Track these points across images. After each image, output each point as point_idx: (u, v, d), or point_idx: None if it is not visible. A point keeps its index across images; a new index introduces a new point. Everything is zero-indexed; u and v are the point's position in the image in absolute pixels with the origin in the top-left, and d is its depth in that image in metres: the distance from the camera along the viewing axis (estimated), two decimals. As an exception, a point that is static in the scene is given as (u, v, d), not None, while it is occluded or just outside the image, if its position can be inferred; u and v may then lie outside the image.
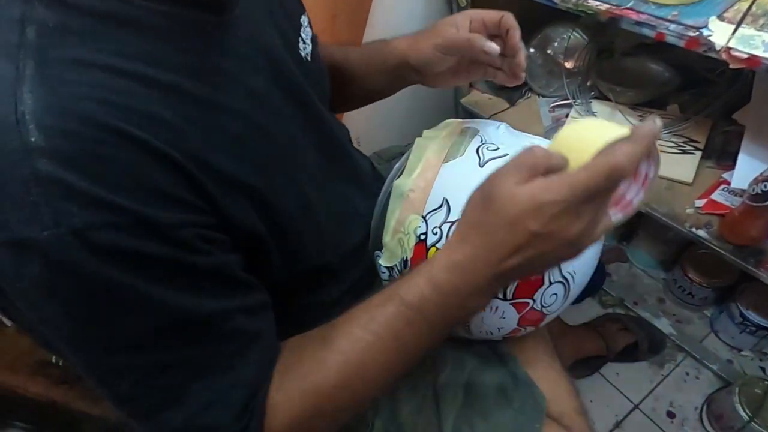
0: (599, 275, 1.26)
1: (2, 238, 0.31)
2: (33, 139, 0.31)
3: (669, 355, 1.22)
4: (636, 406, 1.15)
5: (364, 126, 1.17)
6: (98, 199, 0.32)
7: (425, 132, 0.64)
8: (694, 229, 0.85)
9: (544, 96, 1.16)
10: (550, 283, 0.53)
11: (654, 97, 1.04)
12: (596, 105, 1.04)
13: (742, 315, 1.11)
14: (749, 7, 0.66)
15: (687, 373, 1.18)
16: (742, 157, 0.85)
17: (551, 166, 0.36)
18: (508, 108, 1.19)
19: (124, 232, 0.33)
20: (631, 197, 0.40)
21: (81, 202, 0.31)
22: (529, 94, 1.20)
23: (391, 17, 1.13)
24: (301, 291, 0.55)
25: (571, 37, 1.09)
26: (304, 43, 0.56)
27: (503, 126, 0.61)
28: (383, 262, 0.58)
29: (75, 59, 0.33)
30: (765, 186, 0.71)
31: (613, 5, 0.75)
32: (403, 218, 0.55)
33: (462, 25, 0.59)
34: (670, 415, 1.13)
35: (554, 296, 0.54)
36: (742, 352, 1.17)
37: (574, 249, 0.38)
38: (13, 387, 0.78)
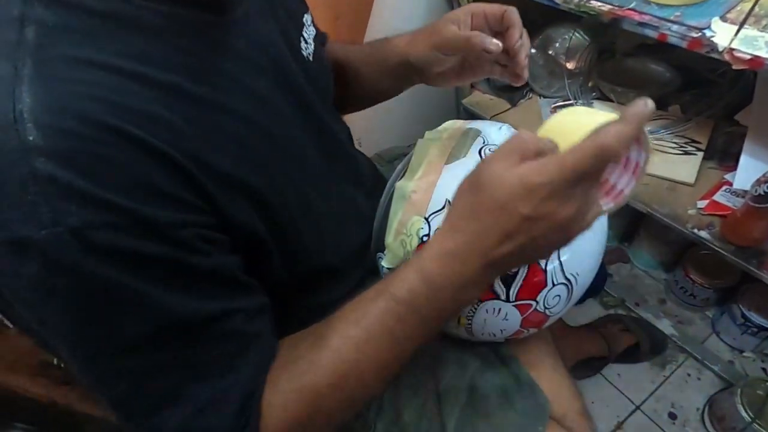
0: (601, 276, 1.25)
1: (0, 238, 0.31)
2: (31, 138, 0.30)
3: (670, 356, 1.21)
4: (637, 407, 1.15)
5: (366, 127, 1.17)
6: (97, 199, 0.32)
7: (427, 133, 0.64)
8: (696, 230, 0.85)
9: (545, 97, 1.16)
10: (553, 285, 0.53)
11: (655, 98, 1.03)
12: (597, 106, 1.04)
13: (743, 316, 1.11)
14: (752, 8, 0.66)
15: (689, 374, 1.18)
16: (744, 158, 0.85)
17: (540, 150, 0.36)
18: (509, 109, 1.19)
19: (122, 231, 0.33)
20: (623, 186, 0.40)
21: (79, 202, 0.31)
22: (531, 95, 1.20)
23: (392, 18, 1.13)
24: (302, 292, 0.55)
25: (573, 37, 1.09)
26: (306, 42, 0.56)
27: (505, 127, 0.61)
28: (386, 263, 0.57)
29: (74, 58, 0.33)
30: (767, 187, 0.71)
31: (615, 6, 0.75)
32: (406, 220, 0.54)
33: (463, 21, 0.57)
34: (672, 416, 1.12)
35: (557, 298, 0.54)
36: (744, 353, 1.17)
37: (565, 234, 0.37)
38: (15, 388, 0.78)
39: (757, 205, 0.74)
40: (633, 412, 1.14)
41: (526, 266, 0.52)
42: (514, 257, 0.38)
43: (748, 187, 0.77)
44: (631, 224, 1.35)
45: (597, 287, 1.27)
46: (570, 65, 1.10)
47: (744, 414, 0.97)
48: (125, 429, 0.39)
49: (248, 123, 0.43)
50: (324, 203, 0.53)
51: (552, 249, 0.40)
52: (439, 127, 0.64)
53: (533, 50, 1.13)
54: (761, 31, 0.64)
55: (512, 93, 1.20)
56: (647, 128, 0.99)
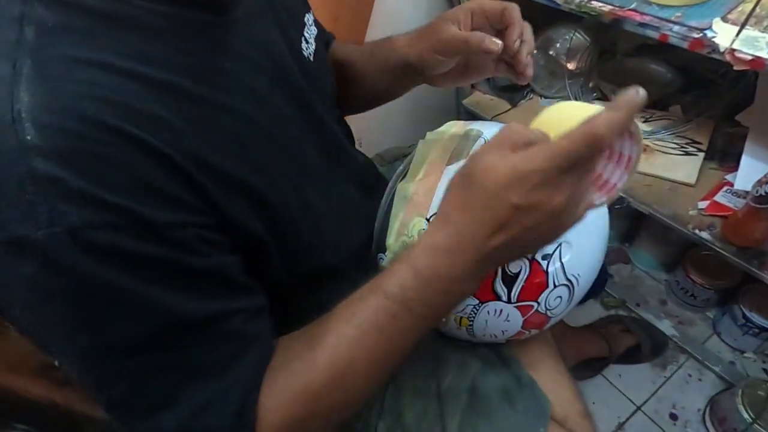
0: (601, 277, 1.26)
1: None
2: (29, 138, 0.30)
3: (671, 356, 1.21)
4: (638, 408, 1.15)
5: (366, 127, 1.17)
6: (95, 199, 0.31)
7: (428, 134, 0.63)
8: (697, 231, 0.85)
9: (546, 97, 1.16)
10: (555, 286, 0.53)
11: (656, 99, 1.04)
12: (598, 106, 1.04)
13: (744, 317, 1.11)
14: (753, 9, 0.66)
15: (689, 375, 1.18)
16: (745, 159, 0.85)
17: (531, 141, 0.36)
18: (510, 109, 1.19)
19: (121, 232, 0.32)
20: (615, 180, 0.40)
21: (77, 202, 0.31)
22: (531, 95, 1.20)
23: (393, 18, 1.13)
24: (302, 292, 0.55)
25: (573, 38, 1.09)
26: (307, 42, 0.56)
27: (506, 128, 0.61)
28: (387, 264, 0.57)
29: (74, 58, 0.33)
30: (769, 188, 0.71)
31: (616, 6, 0.75)
32: (407, 221, 0.54)
33: (463, 20, 0.56)
34: (673, 417, 1.12)
35: (559, 299, 0.54)
36: (745, 354, 1.17)
37: (557, 225, 0.37)
38: (15, 389, 0.78)
39: (758, 206, 0.74)
40: (634, 412, 1.14)
41: (528, 267, 0.52)
42: (507, 249, 0.37)
43: (749, 188, 0.77)
44: (631, 225, 1.35)
45: (598, 288, 1.28)
46: (571, 66, 1.10)
47: (745, 415, 0.97)
48: (123, 430, 0.39)
49: (248, 123, 0.42)
50: (324, 203, 0.53)
51: (545, 241, 0.39)
52: (440, 128, 0.64)
53: (534, 51, 1.13)
54: (762, 32, 0.64)
55: (513, 93, 1.20)
56: (649, 129, 0.99)
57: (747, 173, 0.85)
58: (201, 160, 0.37)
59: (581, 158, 0.33)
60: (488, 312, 0.54)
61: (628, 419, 1.13)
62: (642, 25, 0.72)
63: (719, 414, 1.07)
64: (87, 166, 0.32)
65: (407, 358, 0.64)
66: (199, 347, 0.38)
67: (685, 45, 0.68)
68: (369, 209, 0.62)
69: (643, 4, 0.74)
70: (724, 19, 0.67)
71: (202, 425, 0.38)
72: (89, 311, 0.34)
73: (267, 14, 0.50)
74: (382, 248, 0.58)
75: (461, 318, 0.56)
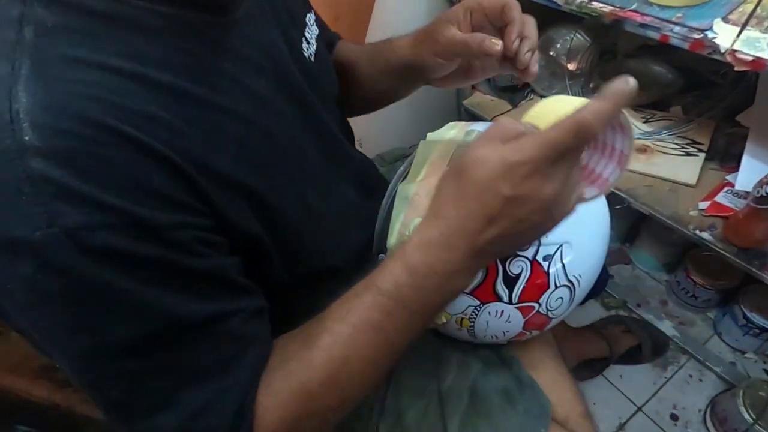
0: (602, 277, 1.25)
1: None
2: (27, 138, 0.30)
3: (672, 357, 1.21)
4: (639, 409, 1.15)
5: (367, 128, 1.17)
6: (92, 200, 0.31)
7: (429, 135, 0.63)
8: (697, 232, 0.85)
9: (546, 97, 1.16)
10: (556, 287, 0.53)
11: (657, 99, 1.04)
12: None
13: (745, 317, 1.10)
14: (754, 9, 0.66)
15: (690, 376, 1.18)
16: (746, 159, 0.85)
17: (521, 134, 0.36)
18: (510, 110, 1.19)
19: (118, 233, 0.32)
20: (607, 175, 0.40)
21: (75, 202, 0.31)
22: (532, 96, 1.20)
23: (393, 19, 1.13)
24: (302, 293, 0.55)
25: (574, 38, 1.09)
26: (308, 43, 0.56)
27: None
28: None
29: (73, 58, 0.33)
30: (770, 188, 0.71)
31: (617, 7, 0.75)
32: (408, 222, 0.54)
33: (462, 19, 0.55)
34: (674, 417, 1.12)
35: (560, 300, 0.54)
36: (746, 355, 1.17)
37: (548, 217, 0.37)
38: (17, 390, 0.78)
39: (759, 207, 0.74)
40: (635, 413, 1.14)
41: (529, 268, 0.52)
42: (500, 243, 0.37)
43: (750, 189, 0.77)
44: (632, 225, 1.35)
45: (598, 288, 1.28)
46: (571, 66, 1.10)
47: (746, 415, 0.97)
48: (122, 431, 0.39)
49: (248, 124, 0.42)
50: (324, 204, 0.53)
51: (536, 234, 0.39)
52: (441, 129, 0.64)
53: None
54: (763, 33, 0.64)
55: (513, 94, 1.20)
56: (649, 129, 0.99)
57: (748, 174, 0.85)
58: (200, 161, 0.37)
59: (570, 148, 0.33)
60: (489, 313, 0.54)
61: (628, 420, 1.13)
62: (643, 25, 0.72)
63: (720, 415, 1.07)
64: (85, 167, 0.31)
65: (407, 358, 0.64)
66: (199, 348, 0.38)
67: (685, 46, 0.68)
68: (369, 210, 0.62)
69: (643, 4, 0.74)
70: (725, 20, 0.67)
71: (202, 426, 0.38)
72: (88, 312, 0.33)
73: (267, 14, 0.49)
74: (383, 249, 0.58)
75: (462, 319, 0.56)
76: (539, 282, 0.52)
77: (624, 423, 1.13)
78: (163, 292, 0.35)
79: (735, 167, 0.88)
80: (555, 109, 0.37)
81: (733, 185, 0.88)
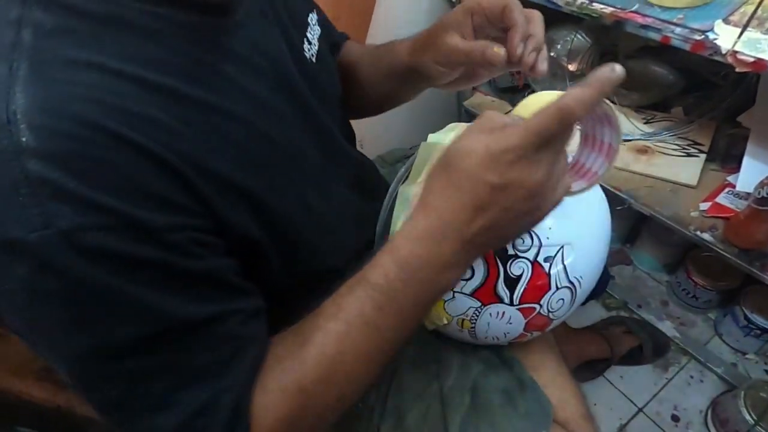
0: (603, 278, 1.25)
1: None
2: (24, 139, 0.30)
3: (673, 358, 1.21)
4: (640, 410, 1.15)
5: (368, 129, 1.17)
6: (89, 201, 0.31)
7: (430, 136, 0.63)
8: (698, 233, 0.85)
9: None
10: (557, 288, 0.53)
11: (658, 100, 1.04)
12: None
13: (746, 318, 1.10)
14: (755, 11, 0.66)
15: (691, 377, 1.18)
16: (747, 160, 0.85)
17: (506, 125, 0.36)
18: (510, 110, 1.19)
19: (115, 234, 0.32)
20: (596, 169, 0.40)
21: (71, 204, 0.31)
22: (532, 97, 1.19)
23: (394, 19, 1.13)
24: (302, 294, 0.54)
25: (575, 39, 1.09)
26: (310, 43, 0.56)
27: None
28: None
29: (70, 60, 0.33)
30: (771, 189, 0.71)
31: (618, 8, 0.75)
32: (409, 223, 0.54)
33: (464, 23, 0.54)
34: (675, 418, 1.12)
35: (561, 301, 0.54)
36: (747, 356, 1.17)
37: (535, 206, 0.36)
38: (18, 392, 0.78)
39: (760, 208, 0.74)
40: (636, 414, 1.14)
41: (530, 270, 0.52)
42: (488, 233, 0.37)
43: (751, 190, 0.77)
44: (633, 226, 1.35)
45: (599, 289, 1.27)
46: (572, 67, 1.10)
47: (747, 416, 0.97)
48: None
49: (247, 126, 0.42)
50: (324, 204, 0.53)
51: (526, 224, 0.38)
52: (442, 130, 0.64)
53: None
54: (764, 34, 0.64)
55: (514, 95, 1.20)
56: (650, 130, 0.99)
57: (749, 175, 0.85)
58: (198, 163, 0.37)
59: (553, 134, 0.33)
60: (490, 314, 0.54)
61: (629, 421, 1.13)
62: (644, 27, 0.72)
63: (721, 416, 1.07)
64: (82, 169, 0.31)
65: (408, 360, 0.64)
66: (194, 350, 0.38)
67: (687, 47, 0.68)
68: (370, 211, 0.62)
69: (644, 6, 0.74)
70: (726, 21, 0.67)
71: (201, 426, 0.38)
72: (85, 313, 0.33)
73: (268, 14, 0.49)
74: (384, 250, 0.58)
75: (463, 320, 0.56)
76: (540, 283, 0.52)
77: (625, 424, 1.13)
78: (160, 293, 0.35)
79: (736, 168, 0.88)
80: (542, 101, 0.38)
81: (734, 186, 0.88)
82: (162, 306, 0.35)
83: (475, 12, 0.53)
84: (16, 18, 0.33)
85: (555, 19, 1.08)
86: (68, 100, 0.32)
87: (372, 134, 1.18)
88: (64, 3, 0.34)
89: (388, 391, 0.63)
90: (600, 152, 0.40)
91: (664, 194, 0.92)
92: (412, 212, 0.39)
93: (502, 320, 0.55)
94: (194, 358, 0.38)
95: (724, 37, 0.65)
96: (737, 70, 0.63)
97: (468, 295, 0.53)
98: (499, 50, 0.50)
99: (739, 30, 0.65)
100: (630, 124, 1.00)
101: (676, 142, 0.96)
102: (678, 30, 0.69)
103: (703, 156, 0.93)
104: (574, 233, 0.53)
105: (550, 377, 0.66)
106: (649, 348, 1.18)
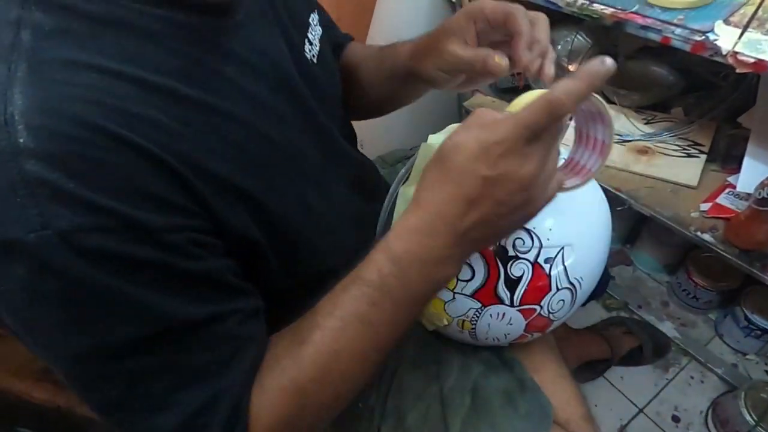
0: (603, 279, 1.25)
1: None
2: (21, 140, 0.30)
3: (673, 358, 1.21)
4: (641, 410, 1.14)
5: (368, 130, 1.17)
6: (87, 202, 0.31)
7: (431, 137, 0.63)
8: (699, 233, 0.85)
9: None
10: (558, 289, 0.53)
11: (658, 101, 1.04)
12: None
13: (747, 318, 1.10)
14: (755, 11, 0.66)
15: (692, 377, 1.18)
16: (747, 161, 0.85)
17: (498, 120, 0.36)
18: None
19: (112, 235, 0.32)
20: (590, 166, 0.40)
21: (69, 205, 0.31)
22: (533, 97, 1.19)
23: (394, 20, 1.13)
24: (302, 295, 0.54)
25: (575, 40, 1.09)
26: (311, 44, 0.56)
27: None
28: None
29: (69, 61, 0.33)
30: (771, 190, 0.71)
31: (618, 9, 0.75)
32: (409, 224, 0.54)
33: (466, 29, 0.53)
34: (675, 419, 1.12)
35: (561, 302, 0.54)
36: (747, 356, 1.17)
37: (527, 200, 0.36)
38: (18, 393, 0.78)
39: (760, 208, 0.74)
40: (636, 415, 1.14)
41: (530, 271, 0.52)
42: (481, 227, 0.37)
43: (751, 190, 0.77)
44: (633, 227, 1.35)
45: (599, 290, 1.27)
46: (572, 68, 1.10)
47: (748, 417, 0.97)
48: None
49: (247, 126, 0.42)
50: (324, 204, 0.53)
51: (518, 218, 0.38)
52: (443, 131, 0.64)
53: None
54: (765, 35, 0.64)
55: (514, 95, 1.19)
56: (651, 130, 0.99)
57: (749, 175, 0.84)
58: (197, 164, 0.37)
59: (543, 127, 0.33)
60: (491, 315, 0.54)
61: (630, 421, 1.13)
62: (644, 27, 0.72)
63: (722, 416, 1.07)
64: (80, 169, 0.32)
65: (409, 360, 0.64)
66: (193, 350, 0.38)
67: (687, 48, 0.68)
68: (370, 212, 0.62)
69: (645, 6, 0.74)
70: (726, 22, 0.67)
71: (200, 426, 0.38)
72: (83, 313, 0.33)
73: (268, 15, 0.49)
74: (385, 251, 0.58)
75: (464, 321, 0.56)
76: (541, 284, 0.52)
77: (625, 425, 1.13)
78: (160, 294, 0.35)
79: (736, 169, 0.88)
80: (535, 98, 0.38)
81: (734, 187, 0.88)
82: (161, 306, 0.35)
83: (478, 18, 0.52)
84: (15, 19, 0.33)
85: (555, 19, 1.08)
86: (67, 101, 0.32)
87: (372, 135, 1.18)
88: (63, 4, 0.34)
89: (388, 392, 0.63)
90: (593, 149, 0.40)
91: (664, 195, 0.92)
92: (406, 209, 0.39)
93: (503, 321, 0.55)
94: (194, 358, 0.38)
95: (725, 37, 0.65)
96: (738, 70, 0.63)
97: (468, 296, 0.53)
98: (500, 61, 0.50)
99: (739, 31, 0.65)
100: (630, 125, 1.00)
101: (676, 143, 0.96)
102: (678, 31, 0.69)
103: (704, 156, 0.93)
104: (575, 234, 0.53)
105: (550, 378, 0.66)
106: (649, 348, 1.18)
